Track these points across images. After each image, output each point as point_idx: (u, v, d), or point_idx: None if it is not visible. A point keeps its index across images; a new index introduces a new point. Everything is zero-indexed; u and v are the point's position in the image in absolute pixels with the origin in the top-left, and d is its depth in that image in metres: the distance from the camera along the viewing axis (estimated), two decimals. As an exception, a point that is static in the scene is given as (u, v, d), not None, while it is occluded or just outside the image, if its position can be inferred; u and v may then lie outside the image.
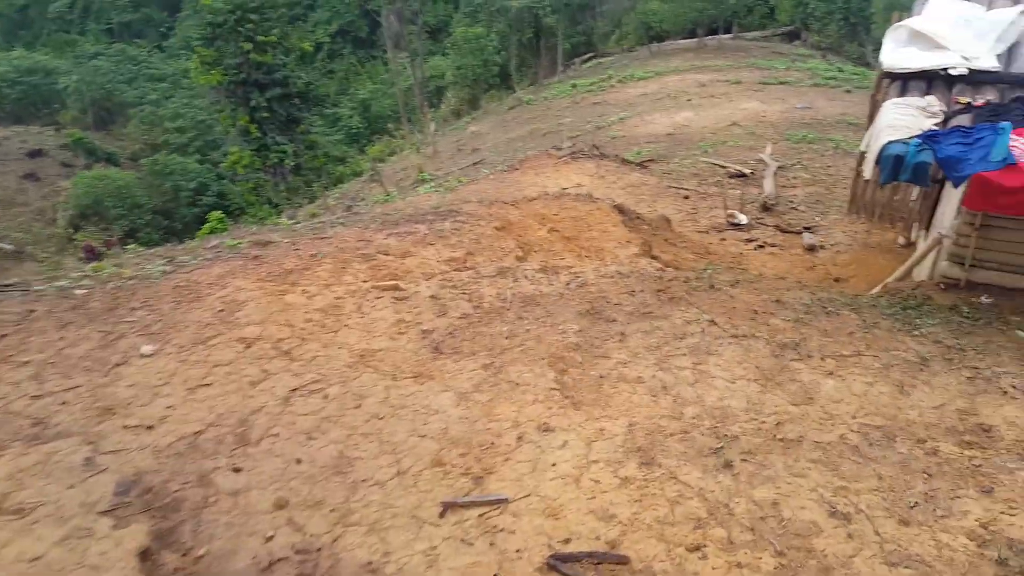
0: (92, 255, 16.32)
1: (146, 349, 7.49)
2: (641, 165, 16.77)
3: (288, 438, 6.44)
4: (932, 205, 10.32)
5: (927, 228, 10.60)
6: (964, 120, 7.73)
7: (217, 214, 19.80)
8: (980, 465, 5.13)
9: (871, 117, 11.65)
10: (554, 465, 5.51)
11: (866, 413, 5.85)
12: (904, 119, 7.81)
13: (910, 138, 7.66)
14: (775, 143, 23.20)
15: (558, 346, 7.14)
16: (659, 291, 8.46)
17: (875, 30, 32.11)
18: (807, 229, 12.55)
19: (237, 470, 6.14)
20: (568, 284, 8.68)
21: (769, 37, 40.29)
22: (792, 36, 39.48)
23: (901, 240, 11.74)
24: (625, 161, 16.62)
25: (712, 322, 7.34)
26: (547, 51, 44.21)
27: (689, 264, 10.55)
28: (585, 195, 12.09)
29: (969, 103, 7.80)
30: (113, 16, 75.57)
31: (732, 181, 16.45)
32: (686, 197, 14.65)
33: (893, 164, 7.59)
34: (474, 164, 28.63)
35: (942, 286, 8.71)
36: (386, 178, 32.28)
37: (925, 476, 5.03)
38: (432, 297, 8.25)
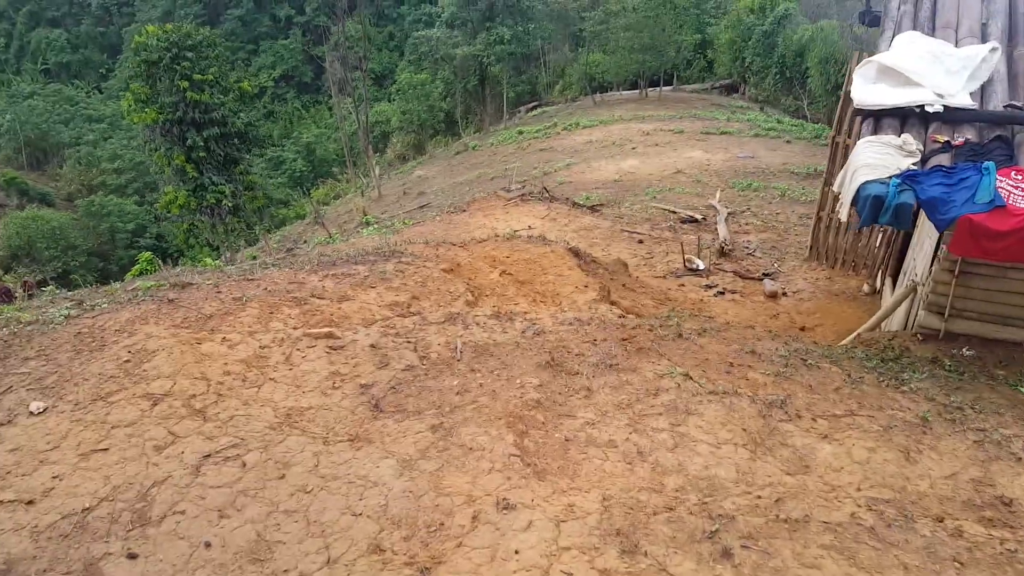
0: (5, 298, 14.70)
1: (35, 406, 6.29)
2: (592, 209, 16.11)
3: (196, 516, 5.29)
4: (898, 251, 9.78)
5: (893, 275, 10.06)
6: (943, 159, 7.17)
7: (147, 255, 18.38)
8: (1015, 551, 4.31)
9: (833, 159, 11.20)
10: (517, 553, 4.49)
11: (872, 484, 5.01)
12: (881, 158, 7.20)
13: (889, 178, 7.04)
14: (721, 191, 23.05)
15: (517, 403, 6.16)
16: (624, 340, 7.59)
17: (810, 83, 32.68)
18: (767, 275, 11.96)
19: (132, 556, 4.96)
20: (524, 332, 7.73)
21: (708, 89, 40.88)
22: (730, 89, 40.12)
23: (865, 288, 11.21)
24: (576, 204, 15.94)
25: (687, 376, 6.47)
26: (492, 99, 44.00)
27: (649, 311, 9.75)
28: (538, 237, 11.25)
29: (947, 142, 7.25)
30: (50, 57, 73.20)
31: (685, 226, 15.89)
32: (640, 241, 13.99)
33: (872, 205, 6.94)
34: (420, 207, 27.78)
35: (920, 337, 8.06)
36: (329, 221, 31.12)
37: (957, 566, 4.19)
38: (372, 346, 7.20)
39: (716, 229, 15.09)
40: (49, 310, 8.29)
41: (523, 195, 15.96)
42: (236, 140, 25.47)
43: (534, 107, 44.65)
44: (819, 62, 30.73)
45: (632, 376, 6.57)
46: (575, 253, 10.88)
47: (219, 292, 8.14)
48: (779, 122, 31.61)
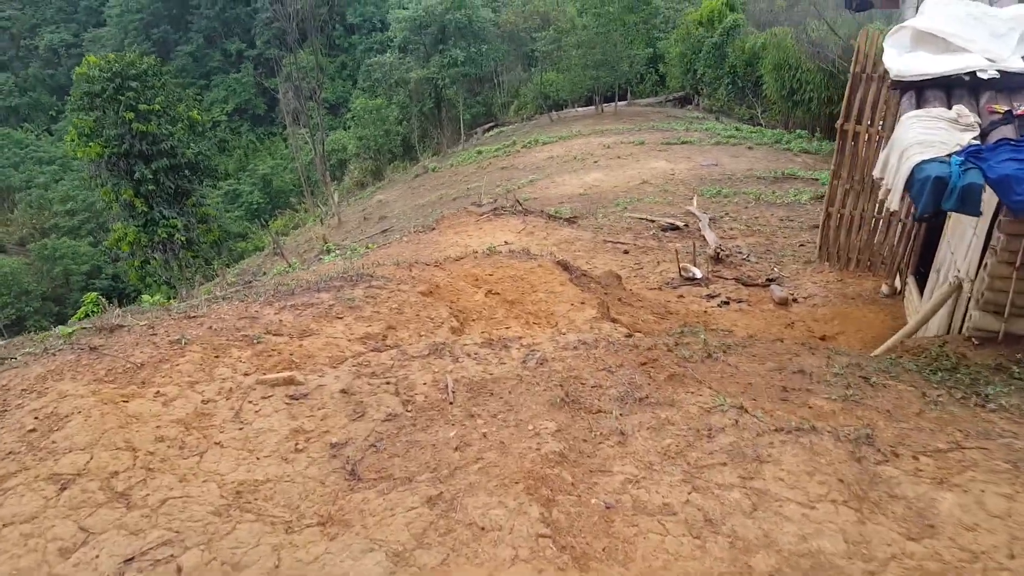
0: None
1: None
2: (569, 221, 14.73)
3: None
4: (921, 246, 8.52)
5: (916, 274, 8.80)
6: (1007, 132, 5.90)
7: (91, 296, 16.37)
8: None
9: (841, 150, 9.97)
10: None
11: (1029, 546, 3.61)
12: (934, 134, 5.92)
13: (948, 155, 5.74)
14: (697, 197, 21.96)
15: (534, 458, 4.65)
16: (643, 364, 6.14)
17: (764, 89, 31.97)
18: (771, 281, 10.67)
19: None
20: (525, 362, 6.24)
21: (662, 103, 40.11)
22: (684, 101, 39.40)
23: (884, 289, 9.97)
24: (552, 216, 14.55)
25: (741, 408, 5.03)
26: (449, 121, 42.65)
27: (652, 327, 8.33)
28: (522, 252, 9.78)
29: (1009, 111, 6.01)
30: (-2, 100, 70.00)
31: (666, 234, 14.61)
32: (626, 252, 12.62)
33: (933, 188, 5.61)
34: (382, 232, 26.20)
35: (975, 341, 6.77)
36: (289, 250, 29.30)
37: None
38: (343, 392, 5.64)
39: (702, 236, 13.82)
40: (-54, 368, 6.56)
41: (496, 209, 14.51)
42: (187, 171, 23.56)
43: (491, 127, 43.42)
44: (773, 68, 30.00)
45: (671, 412, 5.11)
46: (564, 267, 9.43)
47: (154, 335, 6.49)
48: (737, 129, 30.80)
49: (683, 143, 29.05)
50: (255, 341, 6.36)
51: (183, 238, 23.18)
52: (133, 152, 22.36)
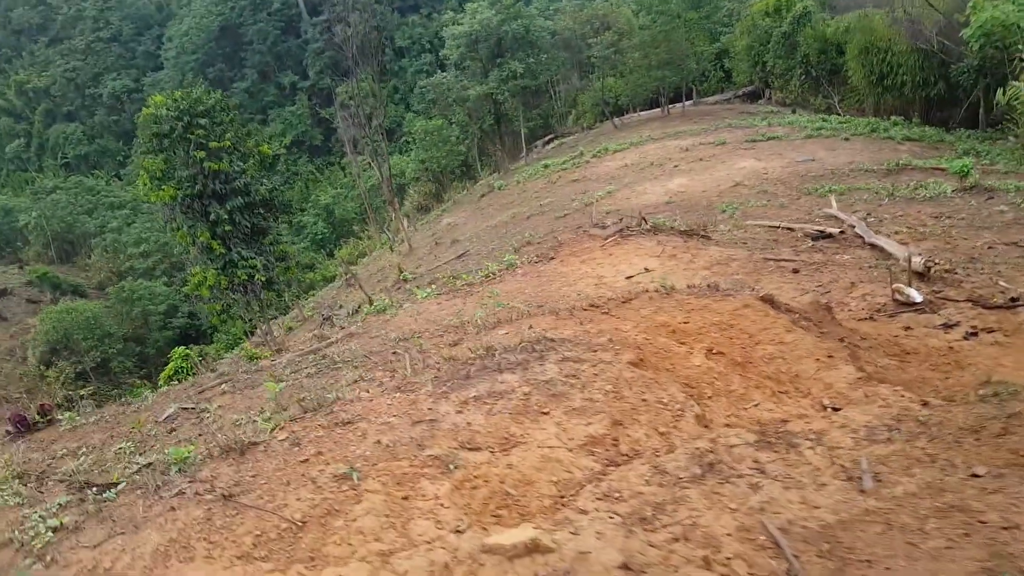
0: (22, 426, 11.07)
1: None
2: (703, 235, 12.46)
3: None
4: None
5: None
6: None
7: (180, 351, 14.90)
8: None
9: None
10: None
11: None
12: None
13: None
14: (797, 198, 19.49)
15: None
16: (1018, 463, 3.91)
17: (851, 76, 29.20)
18: (1016, 301, 8.25)
19: None
20: (847, 475, 4.06)
21: (730, 99, 37.44)
22: (753, 96, 36.67)
23: None
24: (686, 233, 12.31)
25: None
26: (508, 136, 40.66)
27: (936, 386, 6.04)
28: (709, 288, 7.60)
29: None
30: (68, 150, 70.69)
31: (817, 244, 12.25)
32: (795, 271, 10.33)
33: None
34: (458, 256, 24.26)
35: None
36: (362, 280, 27.61)
37: None
38: (625, 569, 3.53)
39: (870, 245, 11.42)
40: (32, 520, 4.69)
41: (622, 231, 12.35)
42: (261, 209, 22.03)
43: (550, 140, 41.26)
44: (859, 53, 27.27)
45: None
46: (771, 303, 7.21)
47: (305, 461, 4.50)
48: (824, 120, 28.10)
49: (769, 139, 26.46)
50: (449, 466, 4.30)
51: (263, 278, 21.57)
52: (207, 192, 20.87)
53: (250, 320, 24.61)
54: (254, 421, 6.35)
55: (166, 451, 6.10)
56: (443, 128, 38.79)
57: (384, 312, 16.65)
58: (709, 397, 5.37)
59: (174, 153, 20.88)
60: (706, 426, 4.96)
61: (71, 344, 39.78)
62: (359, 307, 24.02)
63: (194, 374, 14.58)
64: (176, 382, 14.62)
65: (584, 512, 3.87)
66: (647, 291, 7.82)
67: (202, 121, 20.53)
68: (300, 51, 64.34)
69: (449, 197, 40.76)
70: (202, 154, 20.41)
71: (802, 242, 12.42)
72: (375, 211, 42.79)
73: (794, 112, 32.03)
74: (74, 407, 15.05)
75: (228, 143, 20.89)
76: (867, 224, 13.41)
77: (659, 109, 36.49)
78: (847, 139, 25.01)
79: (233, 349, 34.65)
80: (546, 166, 33.95)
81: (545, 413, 4.85)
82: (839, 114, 30.85)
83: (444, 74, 39.77)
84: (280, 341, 20.79)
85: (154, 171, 20.93)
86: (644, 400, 5.06)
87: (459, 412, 4.91)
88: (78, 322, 39.93)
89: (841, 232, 12.40)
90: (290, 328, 30.78)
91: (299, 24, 64.84)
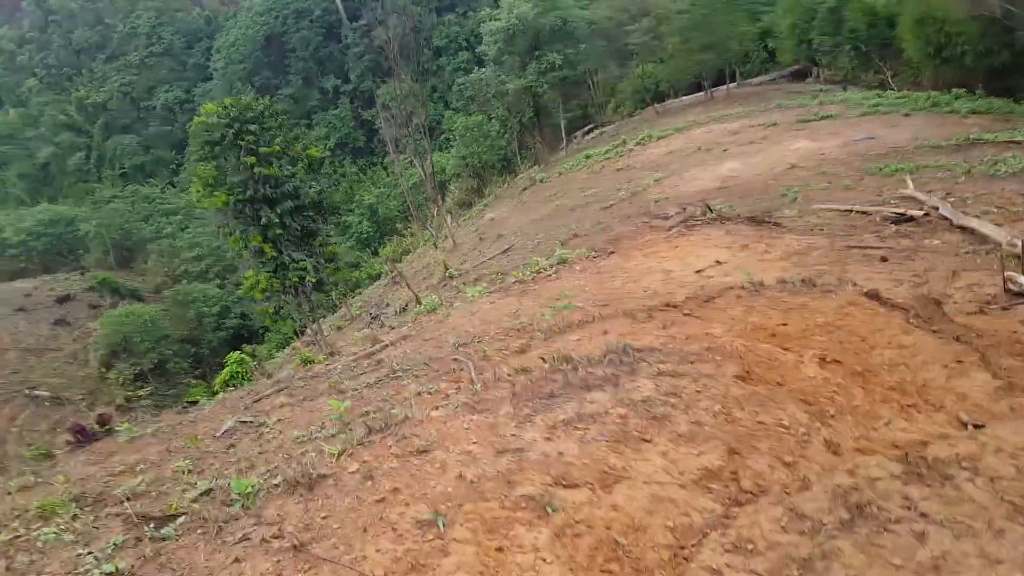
0: (83, 436, 10.84)
1: None
2: (774, 223, 11.52)
3: None
4: None
5: None
6: None
7: (235, 355, 14.59)
8: None
9: None
10: None
11: None
12: None
13: None
14: (860, 179, 18.28)
15: None
16: None
17: (905, 49, 27.52)
18: None
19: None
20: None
21: (775, 79, 35.90)
22: (800, 75, 35.09)
23: None
24: (755, 221, 11.38)
25: None
26: (547, 129, 39.77)
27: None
28: (803, 284, 6.75)
29: None
30: (125, 161, 72.31)
31: (901, 228, 11.21)
32: (883, 259, 9.38)
33: None
34: (503, 252, 23.55)
35: None
36: (408, 278, 27.11)
37: None
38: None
39: (957, 227, 10.36)
40: (85, 562, 4.19)
41: (686, 220, 11.48)
42: (311, 211, 21.65)
43: (590, 130, 40.26)
44: (914, 24, 25.64)
45: None
46: (876, 298, 6.33)
47: (380, 499, 3.87)
48: (879, 96, 26.55)
49: (823, 118, 25.10)
50: (546, 508, 3.61)
51: (313, 279, 21.21)
52: (258, 197, 20.54)
53: (300, 320, 24.34)
54: (318, 442, 5.77)
55: (226, 475, 5.56)
56: (483, 123, 38.09)
57: (435, 311, 16.05)
58: (832, 416, 4.56)
59: (225, 160, 20.59)
60: (836, 452, 4.17)
61: (130, 347, 40.70)
62: (407, 305, 23.57)
63: (249, 379, 14.26)
64: (232, 387, 14.32)
65: (715, 571, 3.14)
66: (732, 288, 7.01)
67: (252, 127, 20.17)
68: (341, 56, 64.43)
69: (490, 192, 40.10)
70: (252, 159, 20.05)
71: (882, 227, 11.38)
72: (418, 208, 42.42)
73: (845, 89, 30.47)
74: (133, 414, 14.97)
75: (278, 148, 20.49)
76: (949, 204, 12.29)
77: (702, 93, 35.20)
78: (907, 115, 23.53)
79: (284, 348, 34.73)
80: (588, 156, 33.00)
81: (647, 440, 4.13)
82: (893, 89, 29.22)
83: (482, 70, 39.07)
84: (331, 343, 20.45)
85: (206, 178, 20.68)
86: (761, 422, 4.29)
87: (548, 439, 4.21)
88: (136, 325, 40.86)
89: (924, 214, 11.32)
90: (339, 327, 30.61)
91: (339, 30, 64.92)
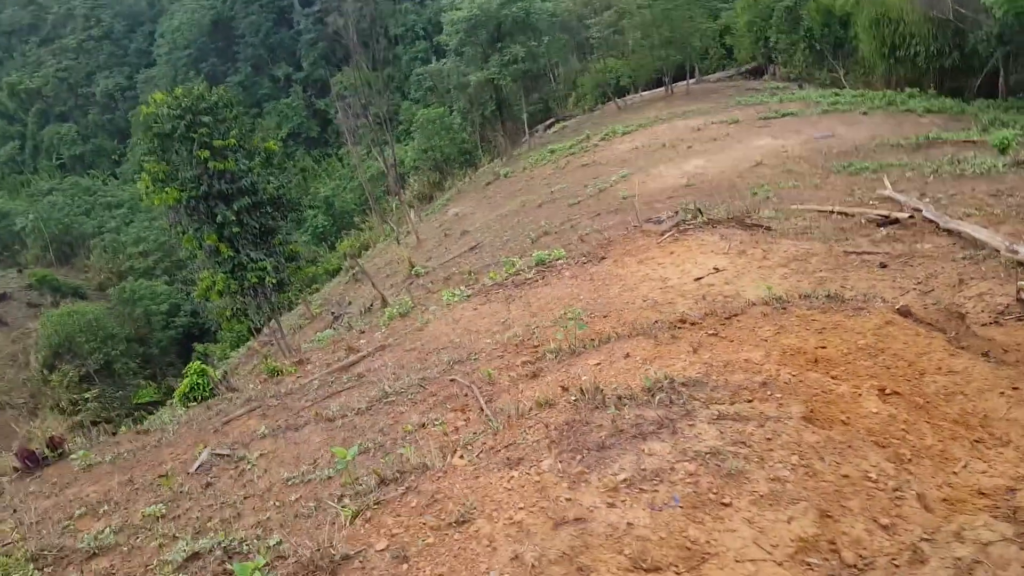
0: (31, 461, 9.74)
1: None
2: (767, 227, 11.12)
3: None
4: None
5: None
6: None
7: (196, 365, 13.61)
8: None
9: None
10: None
11: None
12: None
13: None
14: (826, 177, 18.22)
15: None
16: None
17: (860, 48, 27.77)
18: None
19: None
20: None
21: (732, 76, 35.96)
22: (756, 72, 35.21)
23: None
24: (747, 224, 10.97)
25: None
26: (509, 122, 39.03)
27: None
28: (830, 298, 6.30)
29: None
30: (63, 151, 68.37)
31: (883, 230, 10.97)
32: (883, 265, 9.06)
33: None
34: (470, 249, 22.84)
35: None
36: (371, 275, 26.09)
37: None
38: None
39: (944, 230, 10.14)
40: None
41: (678, 224, 10.99)
42: (269, 208, 20.48)
43: (551, 124, 39.69)
44: (870, 25, 25.85)
45: None
46: (908, 315, 5.92)
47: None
48: (836, 95, 26.74)
49: (784, 116, 25.10)
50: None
51: (274, 280, 20.09)
52: (212, 193, 19.29)
53: (259, 320, 23.16)
54: (314, 486, 5.06)
55: (209, 527, 4.81)
56: (444, 116, 37.12)
57: (407, 316, 15.25)
58: (909, 460, 4.08)
59: (176, 154, 19.26)
60: (927, 507, 3.67)
61: (74, 347, 38.22)
62: (371, 304, 22.59)
63: (212, 391, 13.24)
64: (193, 400, 13.27)
65: None
66: (754, 304, 6.50)
67: (205, 119, 18.89)
68: (293, 42, 62.15)
69: (451, 185, 39.19)
70: (206, 153, 18.81)
71: (871, 230, 11.11)
72: (376, 201, 41.21)
73: (800, 87, 30.68)
74: (85, 431, 13.73)
75: (233, 141, 19.27)
76: (932, 206, 12.12)
77: (662, 89, 35.00)
78: (865, 113, 23.69)
79: (239, 347, 33.23)
80: (552, 151, 32.42)
81: (726, 504, 3.56)
82: (845, 87, 29.55)
83: (443, 61, 38.05)
84: (296, 348, 19.41)
85: (156, 173, 19.31)
86: (845, 476, 3.78)
87: (610, 505, 3.60)
88: (80, 325, 38.44)
89: (909, 217, 11.09)
90: (300, 327, 29.36)
91: (291, 15, 62.59)
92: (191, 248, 20.08)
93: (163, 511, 5.89)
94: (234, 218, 19.32)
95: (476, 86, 35.14)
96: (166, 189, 19.13)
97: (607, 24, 34.46)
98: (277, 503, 5.19)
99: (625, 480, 3.73)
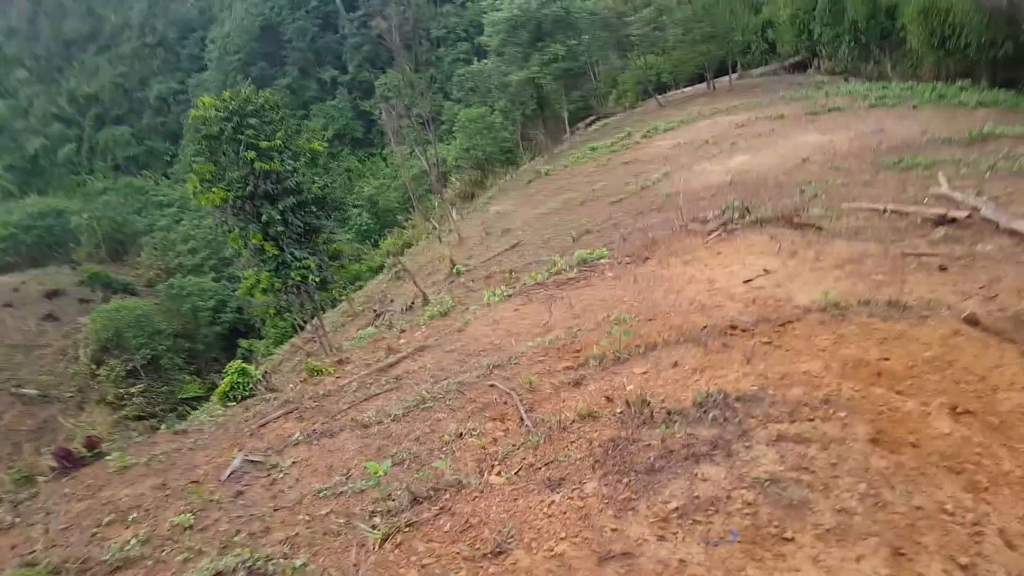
0: (68, 461, 9.77)
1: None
2: (818, 227, 10.59)
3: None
4: None
5: None
6: None
7: (236, 364, 13.59)
8: None
9: None
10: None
11: None
12: None
13: None
14: (876, 174, 17.40)
15: None
16: None
17: (907, 39, 26.59)
18: None
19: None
20: None
21: (775, 71, 34.91)
22: (800, 66, 34.12)
23: None
24: (796, 224, 10.46)
25: None
26: (550, 120, 38.64)
27: None
28: (891, 305, 5.85)
29: None
30: (118, 153, 70.47)
31: (947, 232, 10.33)
32: (942, 268, 8.51)
33: None
34: (512, 247, 22.55)
35: None
36: (412, 273, 26.05)
37: None
38: None
39: (1006, 231, 9.49)
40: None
41: (725, 224, 10.54)
42: (314, 207, 20.53)
43: (592, 121, 39.18)
44: (918, 15, 24.72)
45: None
46: (974, 323, 5.44)
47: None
48: (885, 88, 25.65)
49: (831, 110, 24.21)
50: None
51: (317, 279, 20.12)
52: (258, 193, 19.40)
53: (302, 318, 23.25)
54: (346, 500, 4.84)
55: (235, 542, 4.62)
56: (486, 115, 36.92)
57: (448, 315, 15.04)
58: (986, 488, 3.68)
59: (223, 155, 19.40)
60: (1010, 545, 3.28)
61: (122, 342, 39.07)
62: (412, 302, 22.51)
63: (251, 391, 13.24)
64: (232, 400, 13.28)
65: None
66: (810, 311, 6.09)
67: (252, 121, 18.99)
68: (338, 46, 62.89)
69: (492, 184, 39.00)
70: (253, 154, 18.89)
71: (927, 230, 10.49)
72: (419, 200, 41.26)
73: (846, 80, 29.59)
74: (123, 433, 13.88)
75: (279, 142, 19.32)
76: (993, 205, 11.41)
77: (703, 84, 34.21)
78: (915, 107, 22.66)
79: (282, 344, 33.55)
80: (593, 148, 31.98)
81: (789, 539, 3.23)
82: (890, 80, 28.39)
83: (484, 61, 37.83)
84: (338, 345, 19.42)
85: (204, 174, 19.49)
86: (918, 508, 3.41)
87: (661, 538, 3.29)
88: (129, 320, 39.29)
89: (967, 216, 10.43)
90: (342, 324, 29.50)
91: (336, 20, 63.35)
92: (237, 247, 20.22)
93: (192, 521, 5.75)
94: (279, 217, 19.39)
95: (517, 85, 34.88)
96: (213, 189, 19.29)
97: (647, 21, 33.79)
98: (307, 517, 4.99)
99: (676, 509, 3.43)
